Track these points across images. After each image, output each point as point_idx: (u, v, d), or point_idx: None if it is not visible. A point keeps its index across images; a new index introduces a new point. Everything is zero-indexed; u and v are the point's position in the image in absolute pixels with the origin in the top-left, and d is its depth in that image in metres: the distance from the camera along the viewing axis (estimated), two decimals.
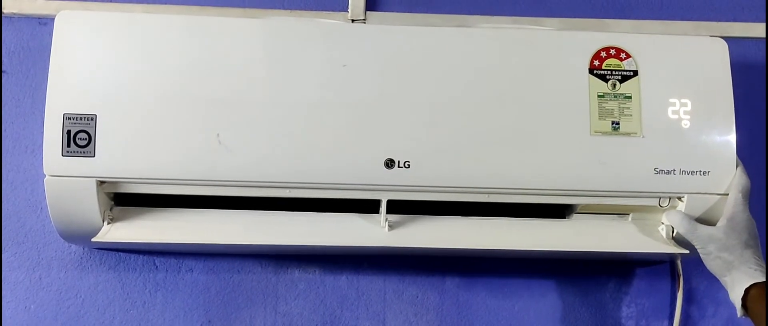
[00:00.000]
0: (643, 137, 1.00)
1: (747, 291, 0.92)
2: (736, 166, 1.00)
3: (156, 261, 1.12)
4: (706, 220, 0.99)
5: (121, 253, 1.12)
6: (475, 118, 0.99)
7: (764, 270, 0.93)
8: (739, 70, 1.03)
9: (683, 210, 1.00)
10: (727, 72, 1.02)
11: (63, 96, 0.95)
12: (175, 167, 0.95)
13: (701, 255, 0.97)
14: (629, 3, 1.23)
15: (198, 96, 0.96)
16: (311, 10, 1.18)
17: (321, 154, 0.97)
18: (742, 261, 0.94)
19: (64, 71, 0.95)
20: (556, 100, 1.00)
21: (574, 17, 1.21)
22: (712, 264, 0.96)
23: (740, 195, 0.97)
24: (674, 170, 0.99)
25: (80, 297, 1.11)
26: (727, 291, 0.96)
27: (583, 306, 1.16)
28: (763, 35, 1.22)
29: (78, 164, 0.94)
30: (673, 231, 1.03)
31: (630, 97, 1.01)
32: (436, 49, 1.01)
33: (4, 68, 1.13)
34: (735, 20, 1.23)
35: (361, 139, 0.97)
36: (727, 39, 1.04)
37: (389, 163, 0.97)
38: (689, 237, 0.98)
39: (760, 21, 1.23)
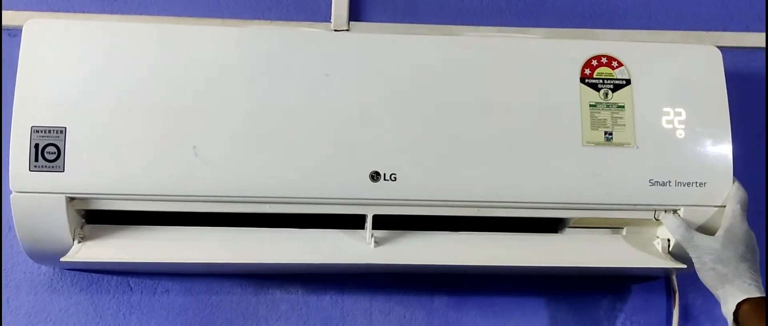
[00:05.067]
0: (637, 148, 0.98)
1: (739, 305, 0.90)
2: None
3: (130, 282, 1.09)
4: (703, 233, 0.97)
5: (94, 274, 1.08)
6: (463, 129, 0.96)
7: (759, 285, 0.92)
8: (729, 80, 1.02)
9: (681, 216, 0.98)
10: (721, 81, 1.01)
11: (31, 108, 0.91)
12: (150, 182, 0.92)
13: (696, 266, 0.96)
14: (617, 12, 1.22)
15: (173, 107, 0.93)
16: (293, 20, 1.17)
17: (303, 167, 0.94)
18: (736, 274, 0.92)
19: (32, 82, 0.92)
20: (547, 110, 0.98)
21: (562, 27, 1.21)
22: (706, 275, 0.94)
23: (738, 206, 0.96)
24: (669, 182, 0.97)
25: (51, 320, 1.07)
26: None
27: (577, 324, 1.14)
28: (753, 45, 1.21)
29: (46, 179, 0.91)
30: (669, 245, 1.01)
31: (623, 107, 0.99)
32: (422, 57, 0.99)
33: None
34: (724, 30, 1.23)
35: (345, 151, 0.95)
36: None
37: (374, 176, 0.94)
38: (685, 245, 0.96)
39: (749, 30, 1.22)
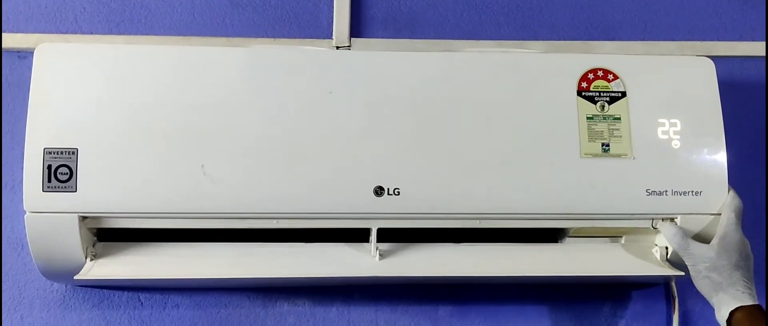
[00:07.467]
0: (634, 158, 0.99)
1: (733, 313, 0.92)
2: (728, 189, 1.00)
3: (141, 297, 1.10)
4: (699, 241, 0.98)
5: (105, 290, 1.09)
6: (464, 143, 0.98)
7: (752, 293, 0.93)
8: (724, 90, 1.03)
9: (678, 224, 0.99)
10: (714, 91, 1.02)
11: (43, 130, 0.93)
12: (160, 200, 0.94)
13: (691, 273, 0.97)
14: (613, 24, 1.24)
15: (182, 127, 0.95)
16: (295, 37, 1.18)
17: (309, 183, 0.95)
18: (730, 282, 0.93)
19: (44, 104, 0.93)
20: (546, 124, 1.00)
21: (559, 39, 1.22)
22: (700, 283, 0.96)
23: (733, 215, 0.97)
24: (666, 191, 0.99)
25: None
26: None
27: None
28: (747, 54, 1.23)
29: (59, 200, 0.92)
30: (667, 253, 1.02)
31: (619, 119, 1.00)
32: (423, 74, 1.00)
33: None
34: (718, 39, 1.24)
35: (350, 166, 0.96)
36: (710, 58, 1.04)
37: (378, 191, 0.96)
38: (681, 253, 0.97)
39: (743, 40, 1.24)
